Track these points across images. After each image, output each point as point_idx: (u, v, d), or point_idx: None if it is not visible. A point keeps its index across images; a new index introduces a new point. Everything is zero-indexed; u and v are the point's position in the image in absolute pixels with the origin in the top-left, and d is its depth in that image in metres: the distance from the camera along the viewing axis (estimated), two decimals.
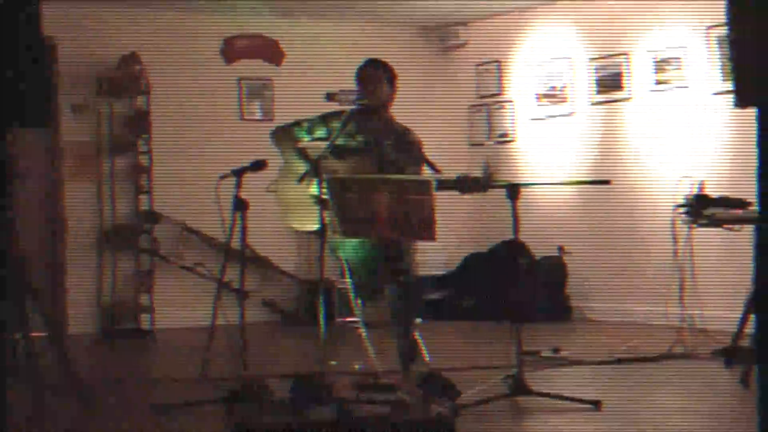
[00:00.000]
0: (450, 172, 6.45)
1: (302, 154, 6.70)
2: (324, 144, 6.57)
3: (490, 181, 6.21)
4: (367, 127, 6.76)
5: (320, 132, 6.77)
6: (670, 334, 7.97)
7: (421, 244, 6.76)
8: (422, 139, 6.84)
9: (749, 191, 3.99)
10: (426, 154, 6.74)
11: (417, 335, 6.59)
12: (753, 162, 3.81)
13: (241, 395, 5.83)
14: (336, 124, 6.66)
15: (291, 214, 6.73)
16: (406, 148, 6.75)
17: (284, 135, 6.84)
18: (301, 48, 11.57)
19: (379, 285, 6.68)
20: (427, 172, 6.75)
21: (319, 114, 6.83)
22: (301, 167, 6.53)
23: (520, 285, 9.52)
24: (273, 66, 11.52)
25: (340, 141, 6.61)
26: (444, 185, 6.34)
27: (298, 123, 6.85)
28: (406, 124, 6.90)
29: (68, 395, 6.30)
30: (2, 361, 4.48)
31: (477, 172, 6.25)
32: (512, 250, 10.31)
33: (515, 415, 5.90)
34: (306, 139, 6.79)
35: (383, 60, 6.92)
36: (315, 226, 6.26)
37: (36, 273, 7.50)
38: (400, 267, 6.57)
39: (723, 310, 8.33)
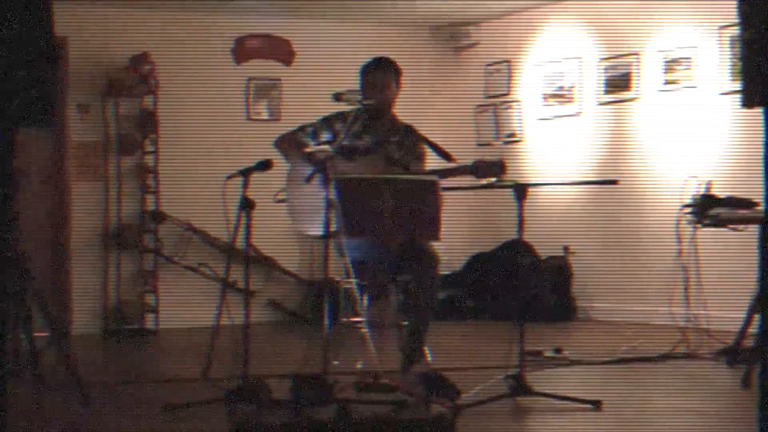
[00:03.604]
0: None
1: (311, 158, 6.68)
2: (329, 146, 6.55)
3: (504, 166, 6.23)
4: (373, 127, 6.75)
5: (325, 135, 6.76)
6: (673, 334, 7.96)
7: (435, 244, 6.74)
8: (432, 139, 6.83)
9: (757, 191, 3.98)
10: (439, 143, 6.72)
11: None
12: (760, 162, 3.80)
13: (241, 395, 5.83)
14: (339, 126, 6.66)
15: (302, 219, 6.71)
16: (410, 145, 6.76)
17: (289, 142, 6.80)
18: (310, 48, 11.58)
19: (387, 283, 6.69)
20: (437, 164, 6.75)
21: (321, 117, 6.83)
22: (310, 171, 6.51)
23: (524, 285, 9.51)
24: (283, 66, 11.53)
25: (346, 142, 6.61)
26: (461, 172, 6.35)
27: (301, 128, 6.83)
28: (412, 122, 6.90)
29: (70, 395, 6.30)
30: (3, 361, 4.48)
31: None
32: (516, 250, 10.32)
33: (516, 415, 5.89)
34: (312, 144, 6.78)
35: (390, 59, 6.89)
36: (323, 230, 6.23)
37: (40, 272, 7.51)
38: (419, 266, 6.56)
39: (727, 310, 8.31)
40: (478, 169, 6.31)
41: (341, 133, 6.55)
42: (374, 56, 6.94)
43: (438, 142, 6.77)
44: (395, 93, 6.80)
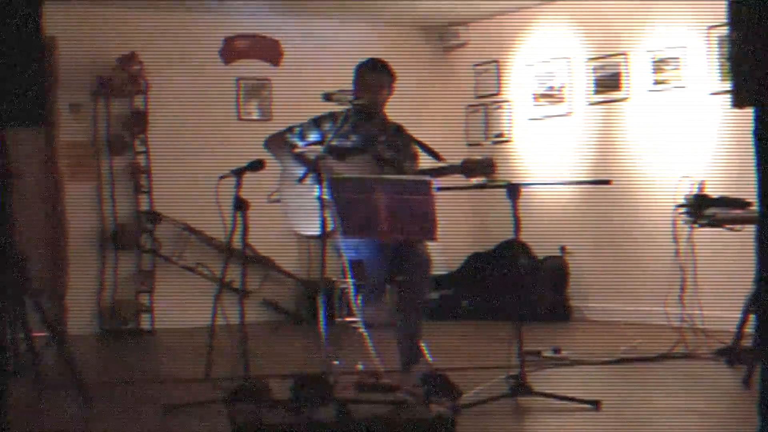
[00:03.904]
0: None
1: (300, 158, 6.69)
2: (319, 147, 6.56)
3: (493, 165, 6.24)
4: (362, 126, 6.76)
5: (313, 136, 6.76)
6: (670, 334, 7.97)
7: (429, 244, 6.75)
8: (421, 139, 6.84)
9: (748, 191, 4.00)
10: (428, 143, 6.74)
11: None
12: (751, 162, 3.81)
13: (241, 395, 5.83)
14: (328, 126, 6.67)
15: (296, 218, 6.71)
16: (401, 145, 6.77)
17: (278, 142, 6.82)
18: (299, 47, 11.57)
19: (383, 283, 6.69)
20: (426, 164, 6.76)
21: (310, 118, 6.83)
22: (301, 171, 6.52)
23: (522, 285, 9.53)
24: (271, 66, 11.51)
25: (335, 142, 6.61)
26: (449, 172, 6.36)
27: (290, 129, 6.84)
28: (398, 122, 6.91)
29: (69, 394, 6.29)
30: (2, 361, 4.47)
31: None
32: (513, 250, 10.34)
33: (516, 415, 5.89)
34: (300, 144, 6.78)
35: (385, 62, 6.89)
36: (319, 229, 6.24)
37: (37, 273, 7.48)
38: (410, 267, 6.57)
39: (724, 310, 8.33)
40: (466, 168, 6.32)
41: (330, 133, 6.55)
42: (369, 57, 6.95)
43: (427, 142, 6.79)
44: (387, 96, 6.82)
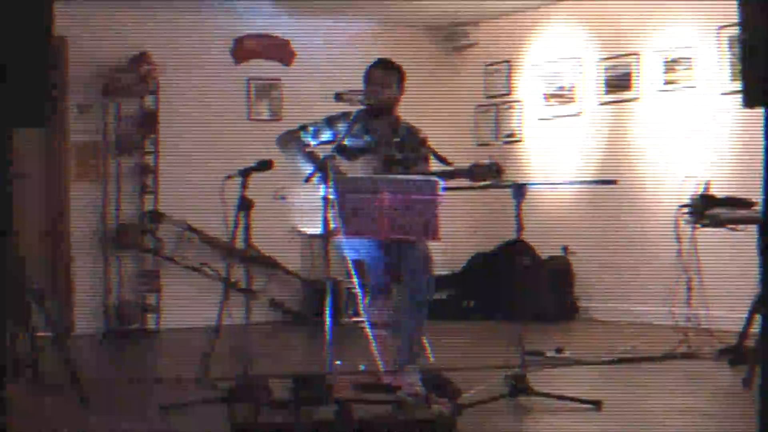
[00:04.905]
0: None
1: (310, 157, 6.69)
2: (330, 146, 6.55)
3: (500, 170, 6.21)
4: (374, 127, 6.74)
5: (326, 135, 6.75)
6: (674, 334, 7.96)
7: (431, 244, 6.73)
8: (430, 139, 6.84)
9: (757, 191, 3.98)
10: (435, 148, 6.73)
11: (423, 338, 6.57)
12: (760, 162, 3.79)
13: (241, 395, 5.82)
14: (341, 126, 6.65)
15: (299, 216, 6.70)
16: (413, 146, 6.75)
17: (291, 140, 6.81)
18: (310, 48, 11.57)
19: (386, 283, 6.67)
20: (434, 167, 6.74)
21: (324, 117, 6.82)
22: (309, 170, 6.51)
23: (524, 285, 9.51)
24: (282, 66, 11.52)
25: (346, 142, 6.60)
26: (456, 175, 6.34)
27: (303, 127, 6.83)
28: (412, 122, 6.90)
29: (69, 395, 6.30)
30: (2, 361, 4.47)
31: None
32: (515, 251, 10.32)
33: (516, 415, 5.89)
34: (313, 143, 6.78)
35: (393, 61, 6.89)
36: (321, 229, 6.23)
37: (39, 273, 7.49)
38: (409, 266, 6.55)
39: (728, 310, 8.31)
40: (475, 172, 6.30)
41: (342, 133, 6.55)
42: (379, 57, 6.95)
43: (437, 142, 6.78)
44: (396, 94, 6.77)
